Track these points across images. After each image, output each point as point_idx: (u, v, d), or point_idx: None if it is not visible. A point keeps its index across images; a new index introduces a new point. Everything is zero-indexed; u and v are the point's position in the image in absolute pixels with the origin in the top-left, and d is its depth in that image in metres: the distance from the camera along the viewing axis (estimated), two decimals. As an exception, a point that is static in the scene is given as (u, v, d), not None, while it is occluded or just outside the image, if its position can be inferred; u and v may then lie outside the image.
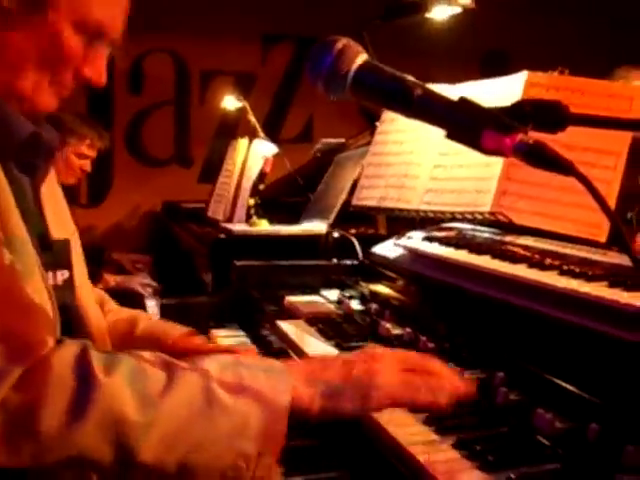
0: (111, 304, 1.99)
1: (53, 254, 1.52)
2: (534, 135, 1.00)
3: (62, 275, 1.56)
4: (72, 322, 1.58)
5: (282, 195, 4.38)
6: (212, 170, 4.90)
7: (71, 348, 1.19)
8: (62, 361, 1.16)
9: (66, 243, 1.59)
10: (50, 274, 1.50)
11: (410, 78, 1.11)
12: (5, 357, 1.12)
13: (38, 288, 1.36)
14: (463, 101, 1.04)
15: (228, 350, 1.75)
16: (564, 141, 2.00)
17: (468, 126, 1.03)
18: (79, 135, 4.33)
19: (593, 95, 2.04)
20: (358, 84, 1.13)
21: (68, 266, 1.57)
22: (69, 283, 1.57)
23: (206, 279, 3.27)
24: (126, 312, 1.98)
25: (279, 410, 1.22)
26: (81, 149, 4.40)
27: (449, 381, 1.35)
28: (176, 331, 1.86)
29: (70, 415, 1.12)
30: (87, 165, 4.50)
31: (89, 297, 1.66)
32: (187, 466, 1.17)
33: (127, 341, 1.84)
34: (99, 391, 1.14)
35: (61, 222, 1.64)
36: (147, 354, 1.26)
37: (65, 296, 1.54)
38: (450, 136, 1.08)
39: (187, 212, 5.06)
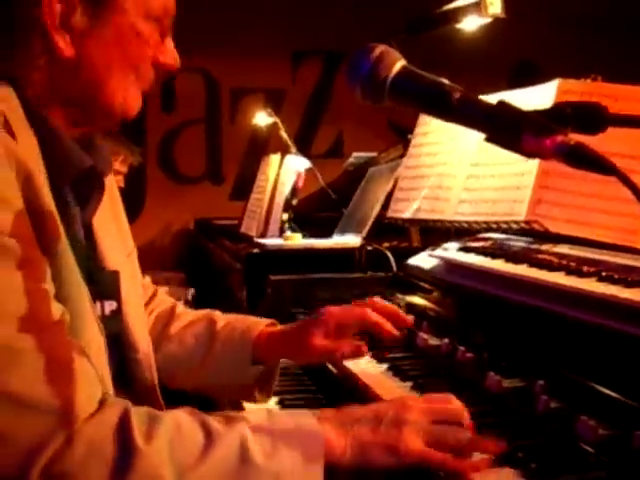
0: (181, 308, 2.01)
1: (101, 285, 1.51)
2: (573, 137, 0.99)
3: (110, 306, 1.56)
4: (121, 351, 1.60)
5: (315, 210, 4.38)
6: (244, 187, 4.93)
7: (112, 412, 1.18)
8: (103, 426, 1.15)
9: (115, 274, 1.59)
10: (98, 304, 1.49)
11: (448, 82, 1.11)
12: (52, 420, 1.12)
13: (88, 319, 1.36)
14: (502, 104, 1.04)
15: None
16: (599, 148, 2.01)
17: (508, 129, 1.03)
18: (112, 152, 4.37)
19: (627, 100, 2.03)
20: (396, 90, 1.14)
21: (116, 297, 1.57)
22: (116, 313, 1.57)
23: (240, 295, 3.27)
24: (200, 312, 1.98)
25: (313, 471, 1.22)
26: (115, 165, 4.44)
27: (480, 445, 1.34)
28: (259, 325, 1.87)
29: None
30: (121, 181, 4.54)
31: (141, 326, 1.66)
32: None
33: (208, 338, 1.86)
34: (139, 460, 1.13)
35: (116, 246, 1.64)
36: (185, 414, 1.25)
37: (112, 326, 1.55)
38: (490, 140, 1.08)
39: (220, 229, 5.08)
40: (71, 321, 1.27)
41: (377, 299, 1.88)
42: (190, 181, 6.64)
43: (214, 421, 1.24)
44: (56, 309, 1.22)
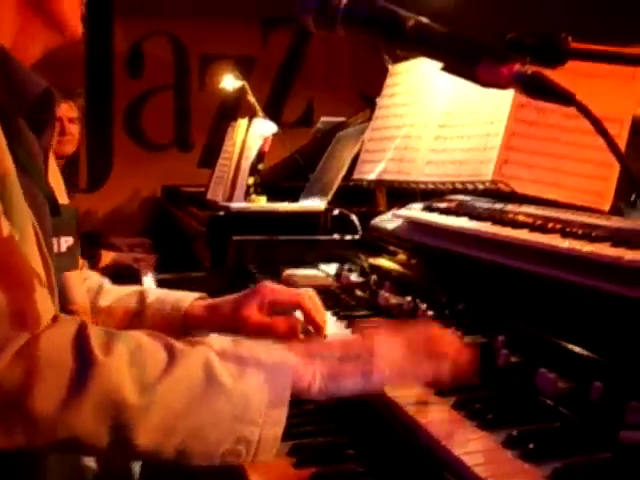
0: (108, 285, 1.95)
1: (60, 220, 1.44)
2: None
3: (66, 242, 1.51)
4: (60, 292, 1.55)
5: (282, 179, 4.34)
6: (212, 154, 4.87)
7: (69, 325, 1.14)
8: (60, 338, 1.11)
9: (72, 209, 1.54)
10: (54, 240, 1.44)
11: (402, 11, 1.07)
12: (10, 324, 1.07)
13: (33, 257, 1.30)
14: (457, 32, 1.00)
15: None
16: (565, 111, 1.99)
17: (464, 56, 0.99)
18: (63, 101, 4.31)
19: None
20: (350, 18, 1.09)
21: (73, 233, 1.52)
22: (73, 250, 1.52)
23: (204, 258, 3.24)
24: (129, 288, 1.92)
25: (280, 392, 1.18)
26: (70, 114, 4.39)
27: (451, 347, 1.33)
28: (189, 297, 1.81)
29: (67, 394, 1.07)
30: (77, 129, 4.50)
31: (76, 279, 1.61)
32: (185, 450, 1.13)
33: (138, 314, 1.79)
34: (97, 370, 1.09)
35: (60, 192, 1.59)
36: (146, 333, 1.21)
37: (67, 264, 1.50)
38: (446, 69, 1.04)
39: (187, 196, 5.02)
40: None
41: (313, 294, 1.82)
42: (158, 148, 6.56)
43: (178, 342, 1.20)
44: (5, 226, 1.16)
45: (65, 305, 1.52)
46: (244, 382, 1.16)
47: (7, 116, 1.26)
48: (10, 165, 1.24)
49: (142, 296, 1.83)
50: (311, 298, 1.72)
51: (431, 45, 1.03)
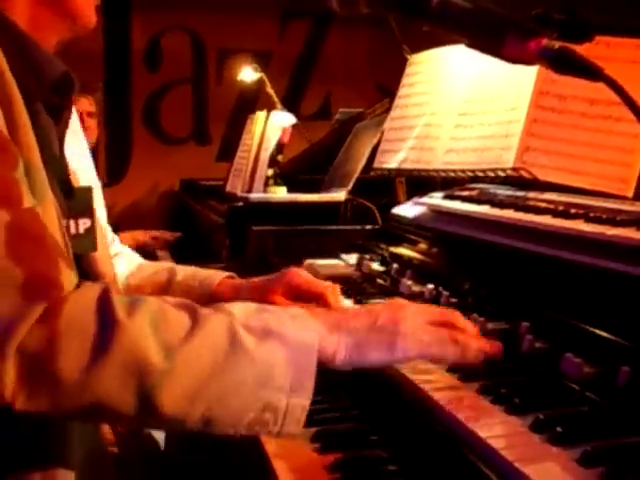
0: (139, 262, 1.98)
1: (75, 201, 1.46)
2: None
3: (84, 224, 1.51)
4: (87, 273, 1.55)
5: (301, 172, 4.33)
6: (230, 148, 4.86)
7: (92, 289, 1.13)
8: (83, 302, 1.10)
9: (89, 190, 1.53)
10: (72, 222, 1.45)
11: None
12: (26, 296, 1.06)
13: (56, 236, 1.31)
14: (483, 7, 0.99)
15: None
16: (587, 96, 1.97)
17: (490, 31, 0.98)
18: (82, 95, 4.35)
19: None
20: (373, -5, 1.08)
21: (90, 215, 1.51)
22: (91, 232, 1.52)
23: (223, 250, 3.23)
24: (159, 265, 1.95)
25: (307, 359, 1.16)
26: (89, 108, 4.42)
27: (475, 338, 1.32)
28: (218, 275, 1.82)
29: (91, 357, 1.05)
30: (95, 123, 4.54)
31: (105, 248, 1.62)
32: (211, 417, 1.11)
33: (166, 289, 1.81)
34: (121, 333, 1.07)
35: (82, 174, 1.60)
36: (170, 298, 1.20)
37: (85, 245, 1.50)
38: (471, 45, 1.03)
39: (205, 189, 5.01)
40: None
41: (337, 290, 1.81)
42: (176, 142, 6.56)
43: (202, 307, 1.18)
44: (29, 198, 1.16)
45: (95, 278, 1.53)
46: (269, 348, 1.14)
47: (27, 97, 1.26)
48: (33, 140, 1.25)
49: (171, 273, 1.85)
50: (334, 292, 1.71)
51: (456, 21, 1.02)
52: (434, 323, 1.29)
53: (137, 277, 1.87)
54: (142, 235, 4.56)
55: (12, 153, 1.17)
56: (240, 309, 1.20)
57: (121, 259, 1.94)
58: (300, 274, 1.73)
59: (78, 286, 1.15)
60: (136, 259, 2.00)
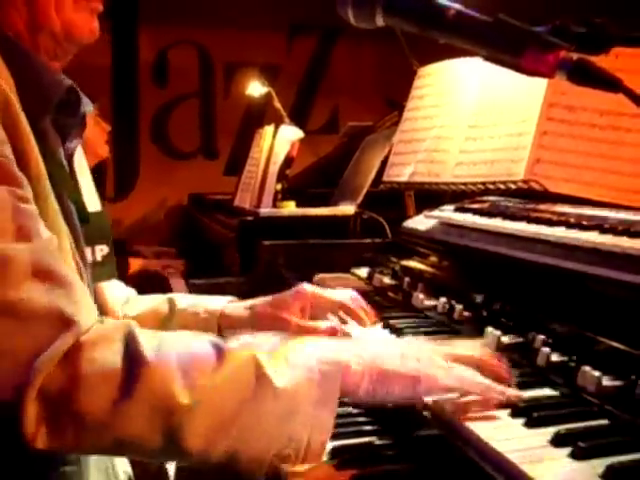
0: (135, 295, 1.93)
1: (91, 227, 1.43)
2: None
3: (101, 251, 1.48)
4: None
5: (310, 185, 4.33)
6: (238, 162, 4.86)
7: (115, 327, 1.14)
8: (107, 342, 1.10)
9: (103, 215, 1.52)
10: (88, 250, 1.43)
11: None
12: (47, 333, 1.06)
13: (68, 265, 1.28)
14: (501, 19, 0.99)
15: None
16: (597, 108, 1.97)
17: (507, 45, 0.98)
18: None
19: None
20: (390, 8, 1.08)
21: (107, 240, 1.50)
22: (109, 259, 1.50)
23: (233, 266, 3.23)
24: (157, 296, 1.90)
25: (330, 394, 1.17)
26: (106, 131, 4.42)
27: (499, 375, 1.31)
28: (221, 300, 1.80)
29: (117, 396, 1.06)
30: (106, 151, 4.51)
31: (111, 283, 1.61)
32: (235, 453, 1.11)
33: (169, 319, 1.78)
34: (147, 375, 1.08)
35: (93, 191, 1.58)
36: (195, 333, 1.21)
37: (104, 273, 1.48)
38: (489, 58, 1.02)
39: (214, 203, 5.01)
40: None
41: (356, 295, 1.81)
42: (184, 156, 6.56)
43: (226, 342, 1.19)
44: (44, 229, 1.16)
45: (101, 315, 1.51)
46: (294, 384, 1.14)
47: (33, 118, 1.25)
48: (42, 169, 1.23)
49: (172, 302, 1.81)
50: (354, 299, 1.70)
51: (473, 34, 1.02)
52: (461, 361, 1.29)
53: (135, 309, 1.81)
54: (153, 264, 4.55)
55: (25, 186, 1.16)
56: (265, 343, 1.21)
57: (113, 285, 1.90)
58: (314, 292, 1.73)
59: (102, 321, 1.15)
60: (125, 288, 1.93)
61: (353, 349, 1.25)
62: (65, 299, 1.10)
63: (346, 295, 1.73)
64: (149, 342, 1.12)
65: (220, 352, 1.15)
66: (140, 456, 1.30)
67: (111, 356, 1.08)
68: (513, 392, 1.29)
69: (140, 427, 1.07)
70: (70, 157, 1.46)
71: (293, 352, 1.19)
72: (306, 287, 1.73)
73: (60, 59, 1.43)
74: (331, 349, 1.23)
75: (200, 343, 1.17)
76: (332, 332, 1.68)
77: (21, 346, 1.05)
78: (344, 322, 1.76)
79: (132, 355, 1.09)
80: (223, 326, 1.74)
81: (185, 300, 1.83)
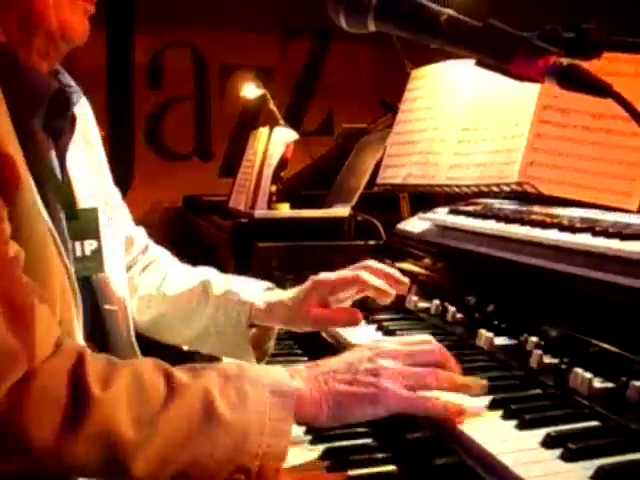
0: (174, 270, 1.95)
1: (80, 223, 1.46)
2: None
3: (90, 245, 1.50)
4: (97, 295, 1.55)
5: (304, 187, 4.32)
6: (233, 164, 4.86)
7: (66, 358, 1.15)
8: (56, 373, 1.12)
9: (94, 212, 1.53)
10: (78, 245, 1.45)
11: (434, 5, 1.06)
12: (4, 365, 1.08)
13: (53, 262, 1.30)
14: (491, 24, 0.99)
15: None
16: (590, 111, 1.97)
17: (498, 50, 0.98)
18: None
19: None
20: (382, 13, 1.08)
21: (96, 236, 1.52)
22: (97, 254, 1.52)
23: (228, 265, 3.22)
24: (194, 276, 1.91)
25: (282, 423, 1.19)
26: None
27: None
28: (255, 290, 1.81)
29: (61, 429, 1.08)
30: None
31: (116, 265, 1.61)
32: (185, 476, 1.14)
33: (204, 303, 1.81)
34: (93, 407, 1.10)
35: (91, 187, 1.59)
36: (147, 364, 1.21)
37: (91, 267, 1.50)
38: (479, 63, 1.03)
39: (208, 205, 5.01)
40: (33, 264, 1.22)
41: (372, 262, 1.82)
42: (179, 158, 6.56)
43: (179, 372, 1.20)
44: (11, 247, 1.17)
45: (102, 304, 1.53)
46: (244, 414, 1.17)
47: (19, 121, 1.26)
48: (24, 173, 1.25)
49: (206, 288, 1.84)
50: (371, 269, 1.70)
51: (464, 39, 1.03)
52: (416, 362, 1.30)
53: (172, 288, 1.86)
54: None
55: None
56: (219, 374, 1.22)
57: (151, 270, 1.92)
58: (328, 281, 1.72)
59: (57, 347, 1.16)
60: (165, 266, 1.96)
61: (309, 377, 1.26)
62: (15, 332, 1.10)
63: (359, 270, 1.72)
64: (98, 374, 1.14)
65: (171, 384, 1.17)
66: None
67: (58, 389, 1.10)
68: (476, 381, 1.31)
69: (85, 459, 1.10)
70: (62, 156, 1.47)
71: (247, 384, 1.21)
72: (321, 279, 1.73)
73: (51, 59, 1.44)
74: (287, 380, 1.24)
75: (151, 375, 1.18)
76: (350, 316, 1.70)
77: None
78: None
79: (78, 388, 1.11)
80: (253, 316, 1.76)
81: (220, 285, 1.84)
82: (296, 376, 1.26)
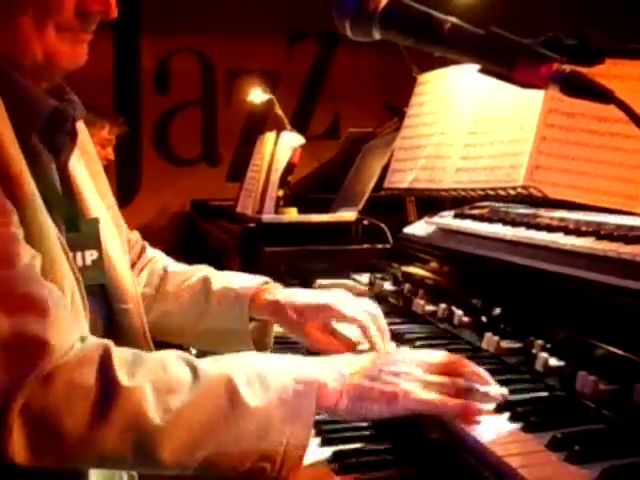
0: (173, 266, 1.95)
1: (81, 235, 1.49)
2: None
3: (91, 255, 1.53)
4: (108, 301, 1.56)
5: (311, 192, 4.33)
6: (240, 169, 4.87)
7: (92, 350, 1.18)
8: (83, 365, 1.15)
9: (94, 222, 1.55)
10: (79, 255, 1.47)
11: (437, 14, 1.07)
12: (27, 360, 1.11)
13: (61, 271, 1.32)
14: (494, 32, 1.01)
15: None
16: (595, 114, 1.98)
17: (501, 57, 1.00)
18: (97, 124, 4.35)
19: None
20: (386, 22, 1.09)
21: (97, 246, 1.54)
22: (98, 263, 1.54)
23: (235, 270, 3.23)
24: (193, 272, 1.90)
25: (305, 411, 1.21)
26: (102, 137, 4.43)
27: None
28: (253, 284, 1.80)
29: (92, 420, 1.12)
30: (111, 154, 4.54)
31: (127, 276, 1.63)
32: (210, 465, 1.18)
33: (205, 298, 1.81)
34: (121, 398, 1.14)
35: (94, 198, 1.60)
36: (172, 354, 1.25)
37: (93, 276, 1.52)
38: (483, 71, 1.04)
39: (216, 210, 5.02)
40: (48, 268, 1.25)
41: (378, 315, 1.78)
42: (186, 163, 6.59)
43: (203, 362, 1.23)
44: (26, 252, 1.20)
45: (116, 304, 1.55)
46: (267, 402, 1.19)
47: (20, 136, 1.29)
48: (32, 185, 1.28)
49: (206, 283, 1.83)
50: (375, 318, 1.70)
51: (468, 47, 1.04)
52: (438, 372, 1.32)
53: (173, 284, 1.86)
54: None
55: (6, 208, 1.20)
56: (242, 362, 1.26)
57: (149, 271, 1.92)
58: (339, 310, 1.68)
59: (81, 341, 1.19)
60: (163, 265, 1.95)
61: (332, 368, 1.29)
62: (39, 325, 1.14)
63: (365, 315, 1.70)
64: (124, 364, 1.17)
65: (195, 373, 1.20)
66: (119, 469, 1.37)
67: (86, 381, 1.14)
68: (497, 390, 1.31)
69: (115, 446, 1.13)
70: (63, 170, 1.50)
71: (270, 372, 1.24)
72: (333, 305, 1.69)
73: (47, 80, 1.45)
74: (309, 369, 1.28)
75: (176, 365, 1.21)
76: (347, 349, 1.68)
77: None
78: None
79: (106, 379, 1.14)
80: (252, 309, 1.75)
81: (219, 280, 1.84)
82: (321, 367, 1.29)
